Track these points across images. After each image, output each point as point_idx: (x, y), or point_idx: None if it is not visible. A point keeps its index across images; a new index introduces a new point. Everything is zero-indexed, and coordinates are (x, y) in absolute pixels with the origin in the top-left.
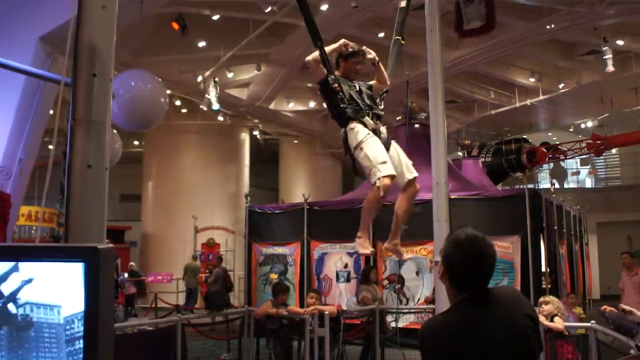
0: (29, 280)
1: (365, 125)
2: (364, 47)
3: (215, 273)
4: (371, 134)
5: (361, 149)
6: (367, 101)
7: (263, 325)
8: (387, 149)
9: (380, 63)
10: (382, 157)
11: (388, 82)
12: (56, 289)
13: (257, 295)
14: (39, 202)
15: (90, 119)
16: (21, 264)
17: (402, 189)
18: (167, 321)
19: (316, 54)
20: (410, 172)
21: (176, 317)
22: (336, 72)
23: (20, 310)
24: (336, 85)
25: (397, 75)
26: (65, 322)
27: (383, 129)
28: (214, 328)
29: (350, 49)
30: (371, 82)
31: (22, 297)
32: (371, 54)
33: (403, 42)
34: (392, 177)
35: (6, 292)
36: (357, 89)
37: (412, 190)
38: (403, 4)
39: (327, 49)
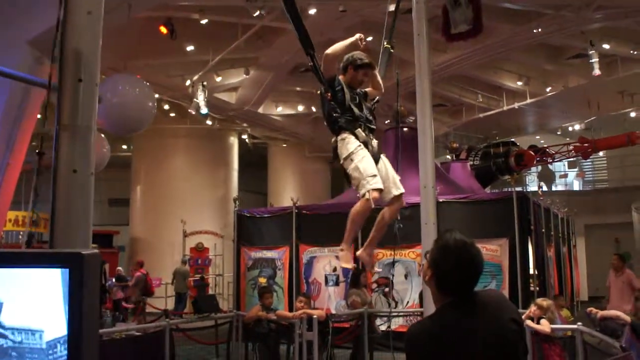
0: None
1: (356, 136)
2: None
3: (135, 277)
4: (362, 146)
5: (351, 160)
6: (365, 113)
7: (252, 329)
8: (376, 162)
9: (375, 71)
10: (372, 170)
11: (382, 89)
12: (38, 313)
13: (246, 300)
14: (26, 207)
15: (76, 124)
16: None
17: (388, 204)
18: (155, 326)
19: (337, 48)
20: (397, 188)
21: (164, 322)
22: (341, 77)
23: (2, 336)
24: (329, 94)
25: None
26: (48, 346)
27: (374, 143)
28: (202, 332)
29: (363, 60)
30: (367, 89)
31: (3, 321)
32: (363, 41)
33: (392, 50)
34: (380, 190)
35: None
36: (357, 101)
37: (397, 205)
38: (392, 7)
39: (342, 43)
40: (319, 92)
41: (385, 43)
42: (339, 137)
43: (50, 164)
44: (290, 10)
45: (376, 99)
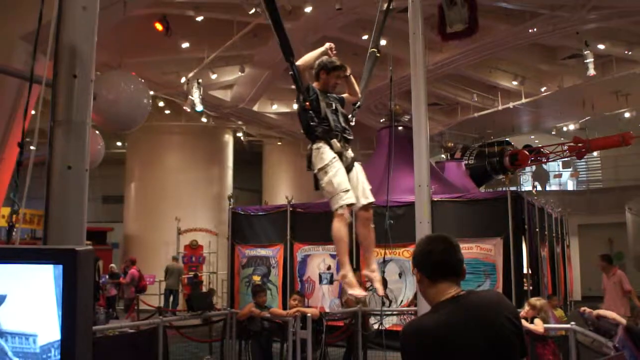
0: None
1: (331, 147)
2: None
3: (130, 274)
4: (336, 157)
5: (326, 172)
6: (341, 122)
7: (245, 327)
8: (350, 170)
9: (351, 76)
10: (345, 185)
11: (360, 95)
12: (31, 316)
13: (240, 297)
14: (20, 203)
15: (71, 120)
16: None
17: (356, 214)
18: (149, 323)
19: (307, 59)
20: (365, 197)
21: (158, 319)
22: (315, 84)
23: None
24: (308, 104)
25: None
26: (42, 351)
27: (349, 153)
28: (196, 330)
29: (334, 62)
30: (343, 95)
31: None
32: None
33: (378, 54)
34: (352, 205)
35: None
36: (334, 108)
37: (366, 215)
38: (385, 5)
39: (313, 53)
40: (296, 101)
41: (371, 47)
42: (314, 146)
43: (44, 160)
44: (272, 17)
45: (357, 104)
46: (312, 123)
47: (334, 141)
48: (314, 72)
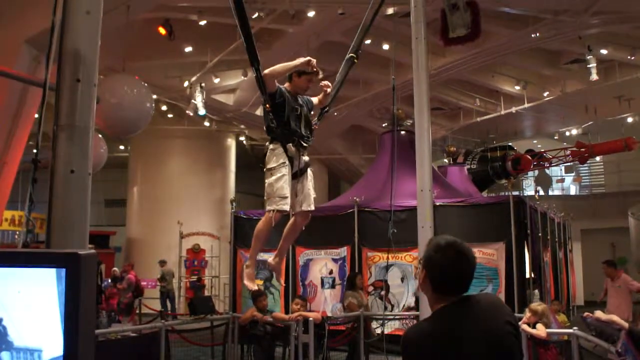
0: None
1: (285, 150)
2: (323, 80)
3: (128, 280)
4: (286, 162)
5: (272, 174)
6: (302, 128)
7: (247, 331)
8: (300, 175)
9: (319, 76)
10: (284, 192)
11: (329, 100)
12: (36, 330)
13: (242, 302)
14: (23, 207)
15: (74, 124)
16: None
17: (295, 217)
18: (151, 327)
19: (276, 69)
20: (307, 204)
21: (160, 323)
22: (286, 85)
23: (1, 355)
24: (268, 106)
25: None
26: None
27: (303, 159)
28: (198, 334)
29: (313, 69)
30: (314, 100)
31: (3, 340)
32: (329, 88)
33: (356, 61)
34: (284, 212)
35: None
36: (298, 113)
37: (303, 221)
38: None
39: (287, 64)
40: (262, 102)
41: (350, 51)
42: (271, 146)
43: (48, 164)
44: (240, 19)
45: (326, 109)
46: (271, 124)
47: (289, 146)
48: (286, 73)
